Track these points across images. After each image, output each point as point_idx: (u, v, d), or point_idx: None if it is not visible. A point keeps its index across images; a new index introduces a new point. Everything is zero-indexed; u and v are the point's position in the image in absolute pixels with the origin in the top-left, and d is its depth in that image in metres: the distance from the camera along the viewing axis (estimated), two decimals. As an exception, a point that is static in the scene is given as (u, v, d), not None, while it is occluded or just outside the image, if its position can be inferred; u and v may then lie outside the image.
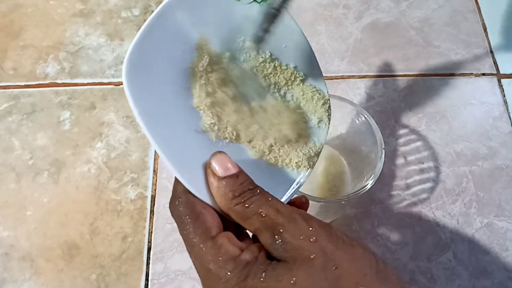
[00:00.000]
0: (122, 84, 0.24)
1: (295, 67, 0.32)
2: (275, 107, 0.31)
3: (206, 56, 0.28)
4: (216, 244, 0.23)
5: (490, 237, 0.48)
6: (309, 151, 0.30)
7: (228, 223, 0.25)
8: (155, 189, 0.51)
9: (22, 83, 0.58)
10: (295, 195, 0.29)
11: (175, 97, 0.26)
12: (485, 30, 0.61)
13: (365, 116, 0.42)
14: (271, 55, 0.31)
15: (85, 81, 0.58)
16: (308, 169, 0.30)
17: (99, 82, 0.58)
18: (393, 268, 0.24)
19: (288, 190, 0.29)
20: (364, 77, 0.58)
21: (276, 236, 0.23)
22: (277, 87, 0.31)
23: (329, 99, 0.33)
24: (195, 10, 0.28)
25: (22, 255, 0.48)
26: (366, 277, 0.22)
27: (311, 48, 0.33)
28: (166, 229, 0.49)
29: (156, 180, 0.52)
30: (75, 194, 0.51)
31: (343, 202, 0.40)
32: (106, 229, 0.49)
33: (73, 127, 0.55)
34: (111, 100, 0.56)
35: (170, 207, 0.25)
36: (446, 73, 0.58)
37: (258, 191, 0.24)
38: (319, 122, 0.32)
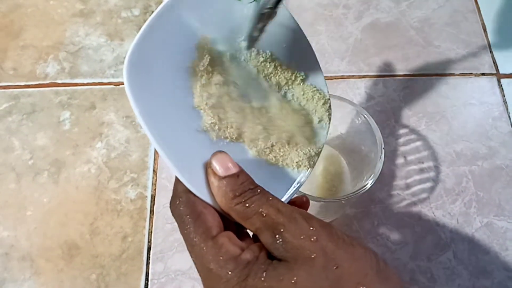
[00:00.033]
0: (122, 84, 0.24)
1: (295, 67, 0.32)
2: (275, 106, 0.31)
3: (206, 55, 0.28)
4: (217, 243, 0.23)
5: (490, 237, 0.48)
6: (309, 151, 0.30)
7: (229, 223, 0.25)
8: (155, 189, 0.51)
9: (22, 83, 0.58)
10: (295, 195, 0.29)
11: (175, 96, 0.26)
12: (484, 30, 0.61)
13: (365, 116, 0.42)
14: (271, 54, 0.31)
15: (85, 81, 0.58)
16: (308, 168, 0.30)
17: (99, 82, 0.58)
18: (393, 267, 0.24)
19: (288, 189, 0.29)
20: (364, 77, 0.58)
21: (276, 236, 0.22)
22: (277, 87, 0.31)
23: (329, 99, 0.33)
24: (195, 10, 0.28)
25: (22, 255, 0.48)
26: (367, 276, 0.22)
27: (311, 47, 0.33)
28: (166, 229, 0.49)
29: (156, 180, 0.52)
30: (75, 194, 0.51)
31: (343, 201, 0.40)
32: (106, 229, 0.49)
33: (73, 127, 0.55)
34: (111, 100, 0.56)
35: (170, 207, 0.25)
36: (446, 73, 0.58)
37: (259, 190, 0.24)
38: (319, 121, 0.32)
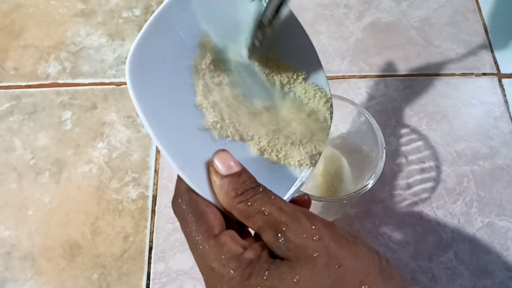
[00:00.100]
0: (123, 84, 0.24)
1: (297, 65, 0.32)
2: (277, 105, 0.31)
3: (208, 54, 0.28)
4: (219, 242, 0.23)
5: (491, 237, 0.48)
6: (311, 149, 0.30)
7: (231, 221, 0.25)
8: (156, 189, 0.51)
9: (24, 83, 0.58)
10: (297, 194, 0.29)
11: (177, 95, 0.26)
12: (485, 29, 0.61)
13: (366, 115, 0.42)
14: (273, 53, 0.31)
15: (86, 81, 0.58)
16: (310, 167, 0.30)
17: (100, 82, 0.58)
18: (394, 267, 0.24)
19: (290, 188, 0.29)
20: (365, 77, 0.58)
21: (279, 235, 0.22)
22: (279, 85, 0.31)
23: (331, 98, 0.33)
24: (197, 8, 0.28)
25: (23, 255, 0.48)
26: (369, 275, 0.22)
27: (313, 46, 0.33)
28: (168, 228, 0.49)
29: (157, 180, 0.52)
30: (77, 194, 0.51)
31: (344, 201, 0.40)
32: (108, 228, 0.49)
33: (74, 127, 0.55)
34: (112, 100, 0.57)
35: (172, 205, 0.25)
36: (447, 73, 0.58)
37: (261, 189, 0.24)
38: (321, 120, 0.32)
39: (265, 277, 0.21)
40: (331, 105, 0.33)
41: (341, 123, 0.46)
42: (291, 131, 0.30)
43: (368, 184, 0.39)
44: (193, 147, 0.26)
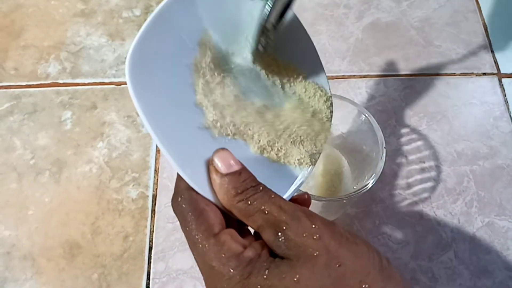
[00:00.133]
0: (123, 84, 0.24)
1: (297, 64, 0.32)
2: (277, 104, 0.31)
3: (209, 52, 0.28)
4: (219, 241, 0.23)
5: (491, 236, 0.48)
6: (311, 148, 0.30)
7: (230, 220, 0.25)
8: (156, 189, 0.51)
9: (24, 83, 0.58)
10: (296, 193, 0.29)
11: (178, 94, 0.26)
12: (485, 29, 0.62)
13: (366, 115, 0.42)
14: (274, 52, 0.31)
15: (86, 81, 0.58)
16: (310, 166, 0.30)
17: (100, 82, 0.58)
18: (394, 267, 0.24)
19: (290, 187, 0.29)
20: (365, 76, 0.58)
21: (279, 234, 0.22)
22: (280, 84, 0.31)
23: (331, 96, 0.33)
24: (198, 6, 0.27)
25: (23, 255, 0.48)
26: (369, 275, 0.22)
27: (313, 45, 0.33)
28: (168, 228, 0.49)
29: (157, 179, 0.52)
30: (77, 193, 0.51)
31: (344, 201, 0.40)
32: (108, 228, 0.49)
33: (74, 127, 0.55)
34: (112, 100, 0.57)
35: (172, 204, 0.25)
36: (447, 73, 0.58)
37: (261, 188, 0.24)
38: (321, 119, 0.32)
39: (265, 276, 0.21)
40: (331, 104, 0.33)
41: (341, 122, 0.46)
42: (291, 129, 0.30)
43: (368, 183, 0.39)
44: (193, 145, 0.25)
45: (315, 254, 0.21)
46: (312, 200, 0.37)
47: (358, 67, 0.58)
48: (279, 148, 0.29)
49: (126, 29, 0.62)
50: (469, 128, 0.54)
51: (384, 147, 0.40)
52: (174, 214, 0.25)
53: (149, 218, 0.49)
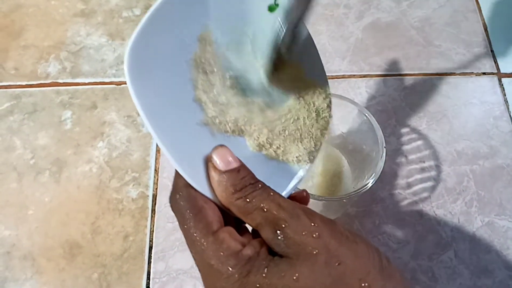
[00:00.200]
0: (123, 83, 0.23)
1: (297, 61, 0.32)
2: (276, 100, 0.31)
3: (209, 48, 0.27)
4: (218, 239, 0.22)
5: (491, 236, 0.48)
6: (309, 146, 0.30)
7: (229, 218, 0.25)
8: (156, 188, 0.51)
9: (24, 83, 0.58)
10: (294, 191, 0.29)
11: (177, 89, 0.26)
12: (485, 29, 0.62)
13: (366, 115, 0.42)
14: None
15: (87, 80, 0.58)
16: (308, 163, 0.30)
17: (100, 82, 0.58)
18: (394, 266, 0.24)
19: (288, 185, 0.29)
20: (365, 76, 0.58)
21: (278, 232, 0.22)
22: (279, 80, 0.31)
23: (330, 94, 0.33)
24: (197, 1, 0.27)
25: (23, 254, 0.48)
26: (369, 274, 0.21)
27: (313, 41, 0.33)
28: (168, 228, 0.49)
29: (157, 179, 0.52)
30: (77, 193, 0.51)
31: (344, 200, 0.40)
32: (108, 228, 0.49)
33: (74, 126, 0.55)
34: (112, 100, 0.57)
35: (170, 202, 0.25)
36: (447, 73, 0.58)
37: (260, 185, 0.24)
38: (320, 116, 0.32)
39: (264, 275, 0.21)
40: (330, 101, 0.32)
41: (341, 122, 0.46)
42: (290, 127, 0.30)
43: (368, 183, 0.39)
44: (192, 142, 0.25)
45: (315, 252, 0.21)
46: (312, 200, 0.38)
47: (358, 67, 0.58)
48: (278, 146, 0.29)
49: (126, 28, 0.62)
50: (469, 128, 0.54)
51: (384, 147, 0.40)
52: (174, 214, 0.25)
53: (149, 218, 0.49)
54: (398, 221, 0.49)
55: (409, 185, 0.51)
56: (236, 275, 0.21)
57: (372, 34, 0.61)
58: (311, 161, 0.30)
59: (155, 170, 0.52)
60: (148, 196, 0.51)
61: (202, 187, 0.24)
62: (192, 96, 0.26)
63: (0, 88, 0.57)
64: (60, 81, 0.58)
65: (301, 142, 0.30)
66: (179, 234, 0.48)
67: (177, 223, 0.24)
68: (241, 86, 0.29)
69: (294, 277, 0.21)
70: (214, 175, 0.24)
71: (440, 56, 0.59)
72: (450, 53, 0.60)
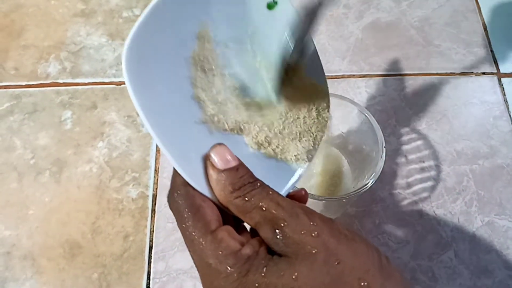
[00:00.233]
0: (123, 83, 0.23)
1: (296, 58, 0.32)
2: (274, 99, 0.30)
3: (207, 45, 0.27)
4: (216, 238, 0.22)
5: (491, 236, 0.48)
6: (308, 145, 0.30)
7: (227, 217, 0.25)
8: (156, 188, 0.51)
9: (24, 83, 0.58)
10: (292, 189, 0.29)
11: (175, 87, 0.25)
12: (485, 29, 0.62)
13: (366, 115, 0.42)
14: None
15: (87, 80, 0.58)
16: (306, 162, 0.30)
17: (100, 82, 0.58)
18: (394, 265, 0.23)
19: (287, 183, 0.29)
20: (365, 76, 0.58)
21: (277, 231, 0.22)
22: (278, 78, 0.31)
23: (328, 92, 0.33)
24: None
25: (23, 254, 0.48)
26: (369, 272, 0.21)
27: (312, 39, 0.33)
28: (168, 228, 0.49)
29: (157, 179, 0.52)
30: (77, 193, 0.51)
31: (344, 200, 0.40)
32: (108, 228, 0.49)
33: (74, 126, 0.55)
34: (112, 100, 0.57)
35: (168, 200, 0.25)
36: (447, 72, 0.58)
37: (259, 184, 0.24)
38: (318, 115, 0.32)
39: (263, 274, 0.21)
40: (329, 101, 0.32)
41: (341, 122, 0.46)
42: (288, 126, 0.30)
43: (368, 183, 0.39)
44: (190, 140, 0.25)
45: (314, 251, 0.21)
46: (312, 200, 0.37)
47: (358, 67, 0.58)
48: (276, 144, 0.29)
49: (126, 29, 0.62)
50: (469, 128, 0.54)
51: (384, 147, 0.40)
52: (172, 213, 0.25)
53: (149, 218, 0.49)
54: (398, 221, 0.49)
55: (409, 185, 0.51)
56: (235, 275, 0.21)
57: (372, 34, 0.61)
58: (309, 159, 0.30)
59: (155, 170, 0.52)
60: (148, 196, 0.51)
61: (200, 185, 0.24)
62: (190, 94, 0.26)
63: (0, 88, 0.58)
64: (60, 81, 0.58)
65: (299, 141, 0.30)
66: (179, 234, 0.48)
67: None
68: (240, 84, 0.29)
69: (293, 276, 0.21)
70: (212, 173, 0.24)
71: (440, 56, 0.59)
72: (450, 53, 0.60)
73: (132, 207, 0.50)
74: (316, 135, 0.31)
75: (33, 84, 0.58)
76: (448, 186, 0.51)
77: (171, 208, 0.24)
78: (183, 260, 0.47)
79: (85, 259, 0.47)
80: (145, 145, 0.54)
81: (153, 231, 0.49)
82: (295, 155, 0.29)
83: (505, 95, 0.56)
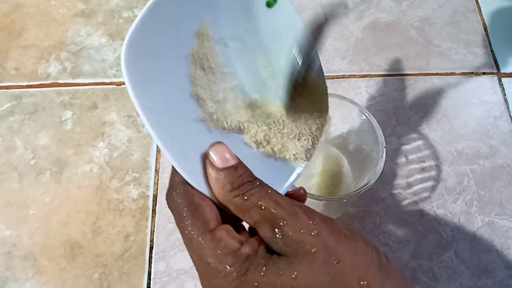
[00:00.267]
0: (123, 84, 0.23)
1: (295, 58, 0.32)
2: (274, 97, 0.30)
3: (206, 43, 0.27)
4: (215, 237, 0.22)
5: (492, 236, 0.48)
6: (307, 144, 0.30)
7: (226, 216, 0.25)
8: (157, 189, 0.51)
9: (24, 83, 0.58)
10: (290, 189, 0.29)
11: (174, 85, 0.25)
12: (485, 29, 0.62)
13: (366, 115, 0.42)
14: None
15: (87, 81, 0.58)
16: (305, 161, 0.30)
17: (100, 82, 0.58)
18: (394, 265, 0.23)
19: (285, 182, 0.29)
20: (365, 76, 0.58)
21: (276, 230, 0.22)
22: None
23: (327, 91, 0.33)
24: None
25: (24, 254, 0.48)
26: (368, 271, 0.21)
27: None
28: (168, 228, 0.49)
29: (158, 179, 0.52)
30: (77, 193, 0.51)
31: (344, 200, 0.40)
32: (108, 228, 0.49)
33: (75, 126, 0.55)
34: (112, 100, 0.57)
35: (167, 199, 0.25)
36: (447, 72, 0.58)
37: (258, 183, 0.24)
38: (317, 114, 0.32)
39: (262, 273, 0.21)
40: (328, 100, 0.32)
41: (341, 122, 0.46)
42: (287, 125, 0.30)
43: (368, 183, 0.39)
44: (189, 138, 0.25)
45: (313, 250, 0.21)
46: (312, 200, 0.37)
47: (358, 67, 0.59)
48: (275, 143, 0.29)
49: (126, 29, 0.62)
50: (469, 128, 0.54)
51: (384, 147, 0.40)
52: (170, 212, 0.25)
53: (149, 218, 0.49)
54: (398, 221, 0.49)
55: (409, 185, 0.51)
56: (234, 274, 0.21)
57: (372, 34, 0.61)
58: (308, 158, 0.30)
59: (156, 170, 0.52)
60: (148, 196, 0.51)
61: (199, 184, 0.24)
62: (189, 92, 0.26)
63: (0, 88, 0.58)
64: (61, 81, 0.58)
65: (298, 140, 0.30)
66: (180, 234, 0.48)
67: (176, 220, 0.24)
68: (239, 83, 0.29)
69: (293, 276, 0.21)
70: (211, 172, 0.24)
71: (440, 56, 0.59)
72: (450, 53, 0.60)
73: (132, 207, 0.50)
74: (315, 135, 0.31)
75: (33, 85, 0.58)
76: (449, 186, 0.51)
77: (169, 207, 0.24)
78: (184, 260, 0.47)
79: (85, 259, 0.47)
80: (145, 145, 0.54)
81: (153, 231, 0.49)
82: (293, 154, 0.29)
83: (505, 95, 0.56)
